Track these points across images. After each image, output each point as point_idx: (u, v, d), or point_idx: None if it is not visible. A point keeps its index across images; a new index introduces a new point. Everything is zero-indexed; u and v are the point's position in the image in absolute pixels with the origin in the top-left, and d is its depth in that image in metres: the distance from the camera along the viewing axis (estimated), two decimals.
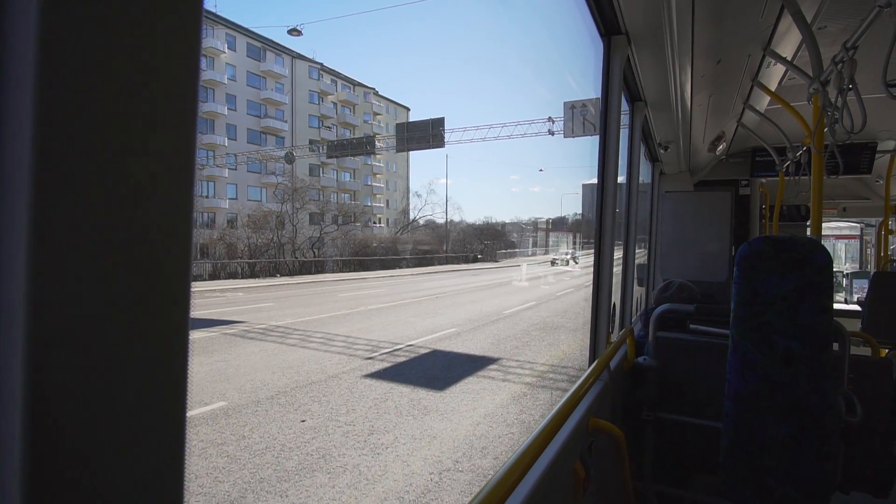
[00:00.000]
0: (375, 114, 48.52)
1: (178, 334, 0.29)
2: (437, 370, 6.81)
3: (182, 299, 0.29)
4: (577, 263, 34.68)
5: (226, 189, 33.72)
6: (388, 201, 50.21)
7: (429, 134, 27.76)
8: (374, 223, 47.38)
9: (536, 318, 11.51)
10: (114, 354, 0.26)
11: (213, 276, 23.37)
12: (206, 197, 32.31)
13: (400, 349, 8.09)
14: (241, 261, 25.62)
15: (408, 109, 53.99)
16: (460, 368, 6.87)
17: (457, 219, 48.77)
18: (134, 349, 0.27)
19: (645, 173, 3.70)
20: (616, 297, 2.21)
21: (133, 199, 0.26)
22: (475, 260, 41.44)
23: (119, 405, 0.26)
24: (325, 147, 34.95)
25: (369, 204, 47.61)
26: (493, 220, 53.54)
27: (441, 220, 45.13)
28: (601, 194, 1.81)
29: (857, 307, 4.66)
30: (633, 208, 2.61)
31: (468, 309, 13.14)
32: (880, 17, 1.53)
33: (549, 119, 24.55)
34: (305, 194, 33.47)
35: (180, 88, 0.28)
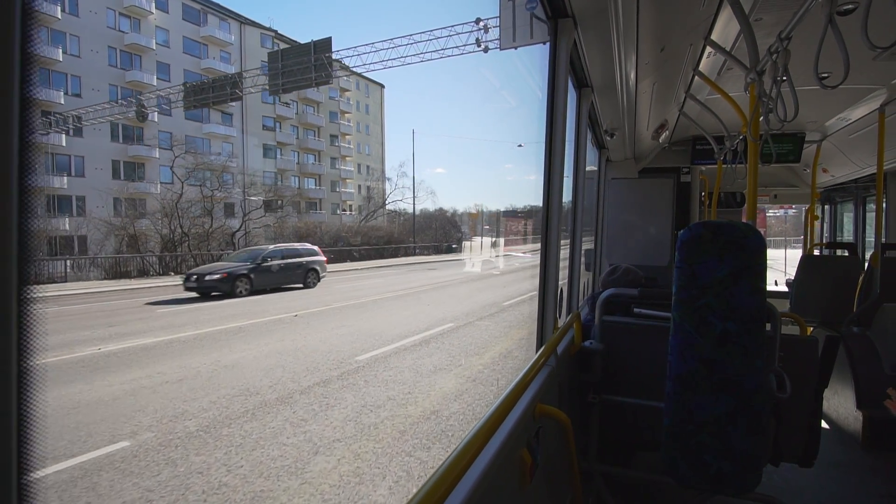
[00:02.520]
0: (343, 90, 44.00)
1: None
2: None
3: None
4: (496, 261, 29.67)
5: (158, 172, 29.29)
6: (360, 187, 45.94)
7: (310, 65, 21.22)
8: (344, 210, 43.21)
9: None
10: None
11: (113, 275, 19.39)
12: (133, 181, 28.10)
13: None
14: (142, 255, 21.21)
15: (382, 87, 49.45)
16: None
17: (431, 206, 44.65)
18: None
19: (591, 160, 3.73)
20: (563, 283, 2.19)
21: None
22: (449, 251, 37.36)
23: None
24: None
25: (338, 190, 43.42)
26: (477, 208, 49.44)
27: (418, 208, 41.01)
28: (548, 180, 1.80)
29: (785, 288, 5.10)
30: (580, 195, 2.60)
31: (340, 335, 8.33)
32: (813, 8, 1.60)
33: (479, 22, 17.62)
34: (222, 177, 27.82)
35: None
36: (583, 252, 2.96)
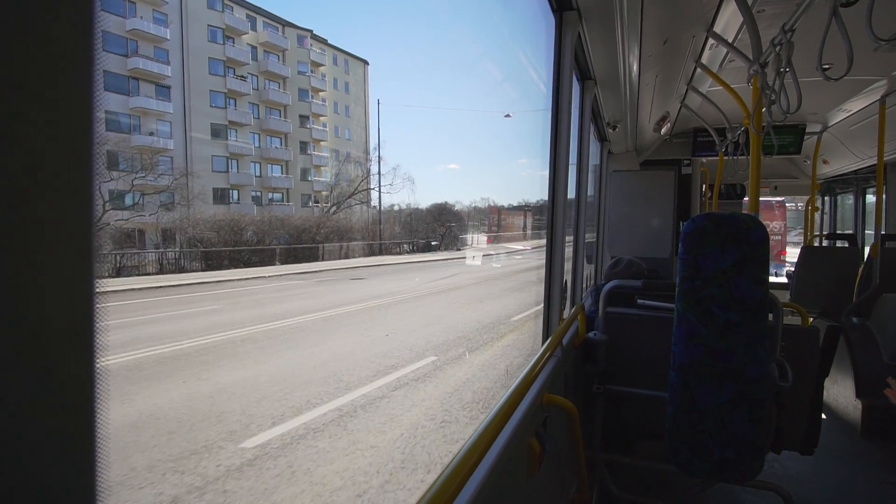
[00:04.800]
0: (316, 64, 38.26)
1: (77, 339, 0.27)
2: None
3: (79, 298, 0.26)
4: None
5: None
6: (337, 175, 40.19)
7: None
8: (317, 202, 37.51)
9: None
10: None
11: None
12: None
13: None
14: None
15: (365, 63, 43.59)
16: None
17: (408, 198, 38.31)
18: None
19: (593, 153, 3.68)
20: (567, 275, 2.23)
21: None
22: (427, 249, 31.35)
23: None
24: None
25: (310, 179, 37.79)
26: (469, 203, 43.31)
27: (394, 200, 35.04)
28: (553, 174, 1.81)
29: (785, 279, 5.20)
30: (583, 188, 2.61)
31: None
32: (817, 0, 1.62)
33: None
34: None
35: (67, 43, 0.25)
36: (584, 245, 2.96)
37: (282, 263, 21.21)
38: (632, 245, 4.29)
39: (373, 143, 40.24)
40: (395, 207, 36.58)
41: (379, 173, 33.73)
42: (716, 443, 1.57)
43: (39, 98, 0.24)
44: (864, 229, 5.33)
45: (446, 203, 37.48)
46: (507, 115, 29.10)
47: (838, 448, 2.79)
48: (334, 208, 33.33)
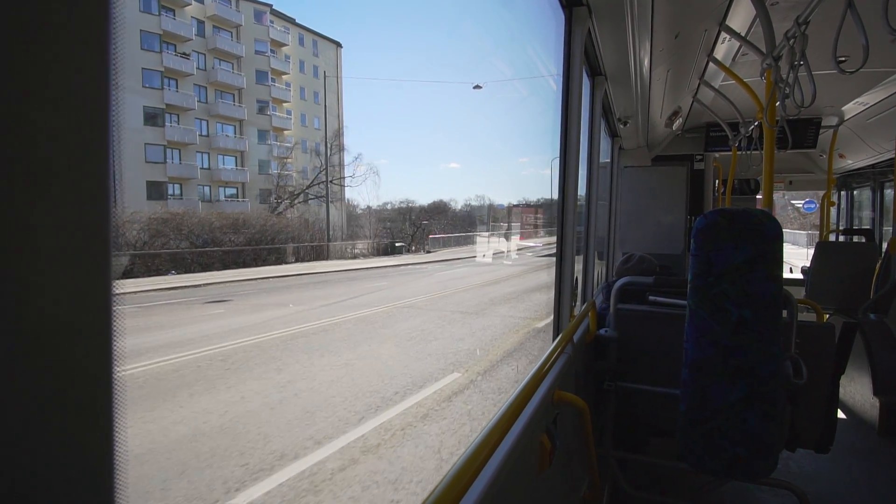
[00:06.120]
0: (278, 44, 34.21)
1: (97, 335, 0.27)
2: None
3: (99, 295, 0.27)
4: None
5: None
6: (307, 169, 36.05)
7: None
8: (278, 198, 33.42)
9: None
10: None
11: None
12: None
13: None
14: None
15: (338, 45, 39.47)
16: None
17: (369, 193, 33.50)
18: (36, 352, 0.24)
19: (604, 149, 3.65)
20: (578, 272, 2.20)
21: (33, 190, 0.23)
22: (392, 252, 27.09)
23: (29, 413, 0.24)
24: None
25: (270, 172, 33.74)
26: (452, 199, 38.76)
27: (358, 195, 30.82)
28: (563, 170, 1.80)
29: (800, 276, 5.00)
30: (594, 184, 2.58)
31: None
32: None
33: None
34: None
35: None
36: (595, 241, 2.94)
37: (180, 273, 16.88)
38: (643, 241, 4.31)
39: (333, 133, 35.82)
40: (376, 206, 32.37)
41: (341, 164, 29.69)
42: (729, 440, 1.57)
43: (49, 98, 0.23)
44: (881, 224, 5.12)
45: (441, 201, 33.29)
46: (477, 87, 25.05)
47: (855, 446, 2.77)
48: (285, 204, 29.08)
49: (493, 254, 26.34)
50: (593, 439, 1.60)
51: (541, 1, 1.72)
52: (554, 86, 1.90)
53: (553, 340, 1.53)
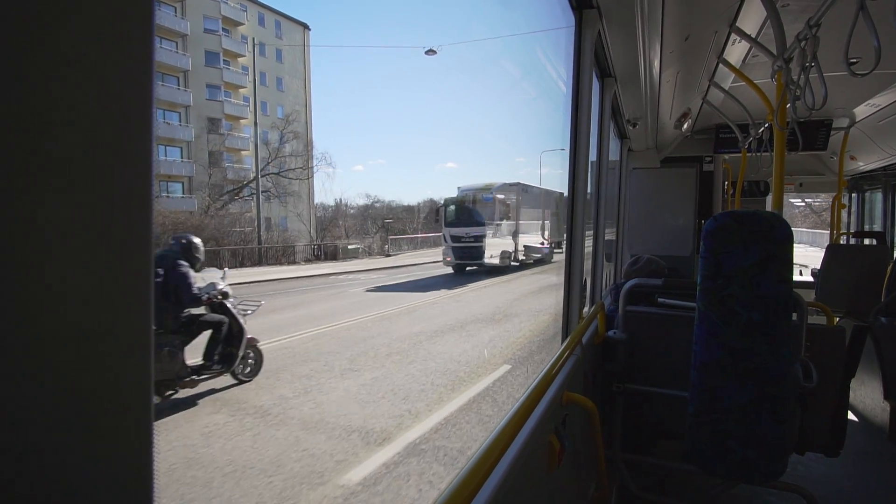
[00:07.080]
0: (232, 22, 30.70)
1: (140, 334, 0.27)
2: None
3: (142, 294, 0.27)
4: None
5: None
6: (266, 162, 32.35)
7: None
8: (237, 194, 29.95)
9: None
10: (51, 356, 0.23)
11: None
12: None
13: None
14: None
15: (305, 27, 35.81)
16: None
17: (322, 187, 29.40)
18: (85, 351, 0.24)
19: (613, 150, 3.69)
20: (587, 274, 2.19)
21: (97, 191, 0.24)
22: (338, 257, 23.08)
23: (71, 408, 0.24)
24: None
25: (223, 165, 30.21)
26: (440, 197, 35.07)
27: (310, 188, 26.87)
28: (573, 172, 1.80)
29: (810, 279, 4.91)
30: (603, 186, 2.58)
31: None
32: None
33: None
34: None
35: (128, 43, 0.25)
36: (604, 243, 2.99)
37: None
38: (652, 243, 4.26)
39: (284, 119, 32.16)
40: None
41: (290, 156, 26.04)
42: (738, 443, 1.57)
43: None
44: (893, 227, 5.13)
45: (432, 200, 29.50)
46: (431, 51, 21.25)
47: (865, 450, 2.75)
48: (223, 201, 25.44)
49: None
50: (602, 441, 1.62)
51: (551, 4, 1.78)
52: (563, 87, 1.89)
53: (562, 342, 1.55)
